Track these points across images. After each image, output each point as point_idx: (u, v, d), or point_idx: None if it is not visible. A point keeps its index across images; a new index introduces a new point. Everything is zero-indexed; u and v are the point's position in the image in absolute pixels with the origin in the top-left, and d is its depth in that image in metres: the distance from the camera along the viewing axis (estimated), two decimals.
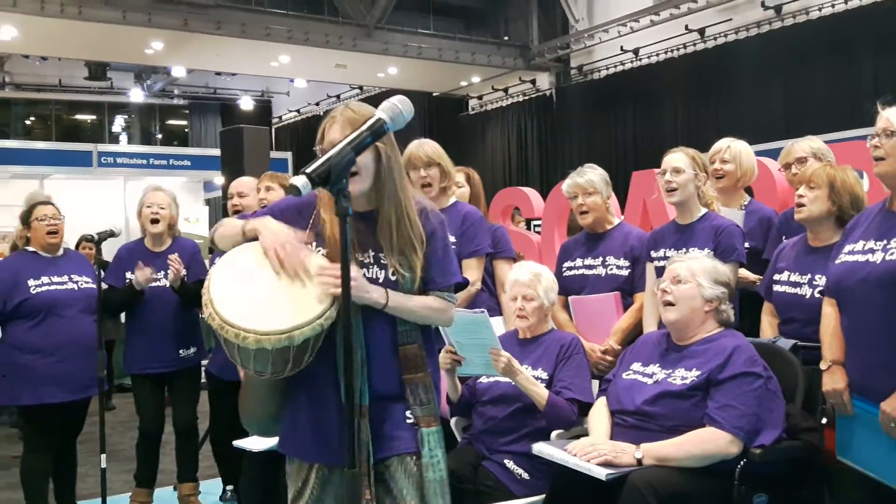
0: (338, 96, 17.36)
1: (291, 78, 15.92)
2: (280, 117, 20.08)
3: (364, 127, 1.85)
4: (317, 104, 18.28)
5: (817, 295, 2.98)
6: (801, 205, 3.08)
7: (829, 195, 3.02)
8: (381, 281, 2.17)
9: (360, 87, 16.66)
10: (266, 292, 2.06)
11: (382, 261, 2.18)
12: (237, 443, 3.52)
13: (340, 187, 1.74)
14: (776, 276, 3.21)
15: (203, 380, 4.55)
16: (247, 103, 18.62)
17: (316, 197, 2.22)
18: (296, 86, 16.97)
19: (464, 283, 2.36)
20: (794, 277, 3.12)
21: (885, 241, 2.50)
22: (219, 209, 12.85)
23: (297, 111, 19.28)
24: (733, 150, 3.75)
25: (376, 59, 13.02)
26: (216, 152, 12.06)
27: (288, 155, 15.21)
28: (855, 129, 7.14)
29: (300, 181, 1.72)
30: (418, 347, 2.21)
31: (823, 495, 2.92)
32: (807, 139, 3.70)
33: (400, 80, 14.42)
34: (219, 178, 12.05)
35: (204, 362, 4.53)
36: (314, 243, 2.21)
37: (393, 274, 2.18)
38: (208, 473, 4.83)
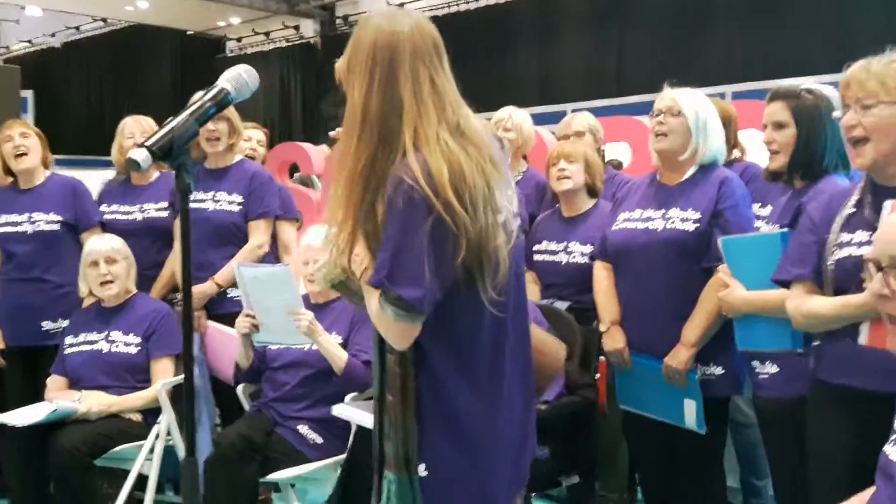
0: (77, 27, 15.82)
1: (23, 5, 14.27)
2: (8, 47, 17.93)
3: (207, 97, 1.70)
4: (52, 35, 16.48)
5: (572, 261, 3.32)
6: (566, 177, 3.38)
7: (584, 168, 3.39)
8: None
9: (104, 20, 15.30)
10: None
11: None
12: None
13: (182, 161, 1.59)
14: (536, 247, 3.47)
15: None
16: None
17: None
18: (28, 14, 15.20)
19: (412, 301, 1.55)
20: (552, 246, 3.42)
21: (663, 211, 2.70)
22: None
23: (30, 41, 17.30)
24: (515, 119, 3.95)
25: None
26: None
27: (29, 93, 13.49)
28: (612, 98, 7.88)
29: (140, 155, 1.54)
30: (395, 363, 1.64)
31: (595, 443, 3.21)
32: (584, 114, 3.95)
33: (150, 15, 13.46)
34: None
35: None
36: None
37: None
38: None
